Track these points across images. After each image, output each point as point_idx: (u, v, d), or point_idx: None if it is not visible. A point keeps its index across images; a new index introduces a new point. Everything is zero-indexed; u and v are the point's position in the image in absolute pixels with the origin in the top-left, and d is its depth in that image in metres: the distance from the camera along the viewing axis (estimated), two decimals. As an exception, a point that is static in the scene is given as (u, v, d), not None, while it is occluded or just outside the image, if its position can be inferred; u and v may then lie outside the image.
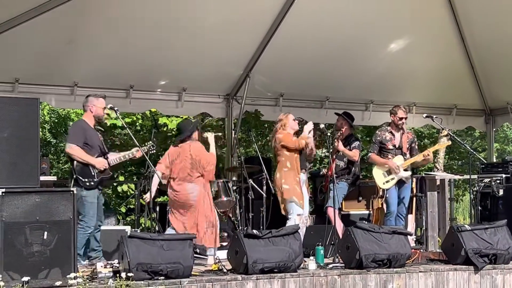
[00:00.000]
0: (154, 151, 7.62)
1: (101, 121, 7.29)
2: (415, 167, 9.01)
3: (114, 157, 7.15)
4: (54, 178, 8.52)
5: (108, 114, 12.66)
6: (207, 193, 7.48)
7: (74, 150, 6.84)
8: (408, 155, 8.45)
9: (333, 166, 8.42)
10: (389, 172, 8.35)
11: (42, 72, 8.68)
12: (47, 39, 8.23)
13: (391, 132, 8.50)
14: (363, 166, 12.81)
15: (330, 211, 8.05)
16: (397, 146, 8.44)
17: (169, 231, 7.35)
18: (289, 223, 7.76)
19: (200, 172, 7.37)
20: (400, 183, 8.37)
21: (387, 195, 8.34)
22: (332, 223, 7.93)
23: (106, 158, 7.04)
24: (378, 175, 8.40)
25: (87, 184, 6.69)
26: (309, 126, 8.16)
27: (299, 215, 7.82)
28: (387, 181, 8.34)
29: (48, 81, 8.83)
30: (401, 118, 8.46)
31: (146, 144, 7.59)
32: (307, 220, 8.02)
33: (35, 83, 8.74)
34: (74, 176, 6.78)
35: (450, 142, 9.21)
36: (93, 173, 6.83)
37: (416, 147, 8.64)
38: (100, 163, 6.86)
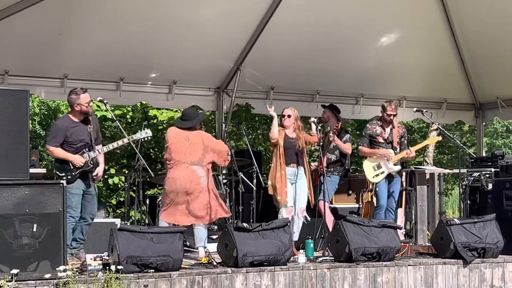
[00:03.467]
0: (148, 138, 7.52)
1: (89, 115, 7.22)
2: (405, 162, 9.03)
3: (95, 152, 7.14)
4: (43, 170, 8.50)
5: (98, 106, 12.63)
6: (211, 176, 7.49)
7: (51, 151, 7.00)
8: (398, 149, 8.46)
9: (324, 160, 8.41)
10: (379, 166, 8.35)
11: (32, 64, 8.63)
12: (37, 31, 8.18)
13: (381, 126, 8.50)
14: (353, 160, 12.82)
15: (321, 205, 8.06)
16: (387, 140, 8.45)
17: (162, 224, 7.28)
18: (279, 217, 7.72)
19: (215, 159, 7.36)
20: (390, 177, 8.38)
21: (377, 189, 8.36)
22: (322, 216, 7.93)
23: (88, 152, 7.07)
24: (368, 168, 8.40)
25: (65, 178, 6.76)
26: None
27: (286, 207, 7.76)
28: (376, 175, 8.35)
29: (38, 73, 8.78)
30: (389, 115, 8.44)
31: (140, 131, 7.49)
32: (301, 213, 7.91)
33: (25, 75, 8.68)
34: (55, 171, 7.00)
35: (440, 138, 9.22)
36: (71, 168, 6.91)
37: (406, 142, 8.64)
38: (76, 159, 6.94)
